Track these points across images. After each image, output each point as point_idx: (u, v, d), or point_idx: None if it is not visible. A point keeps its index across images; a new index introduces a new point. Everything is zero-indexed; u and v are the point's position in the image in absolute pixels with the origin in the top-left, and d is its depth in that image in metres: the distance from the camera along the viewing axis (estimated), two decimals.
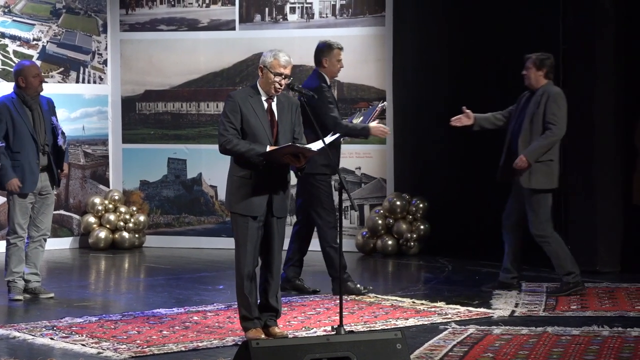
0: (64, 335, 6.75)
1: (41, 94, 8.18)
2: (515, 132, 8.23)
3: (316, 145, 6.46)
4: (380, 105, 8.47)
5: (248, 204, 6.44)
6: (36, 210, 8.21)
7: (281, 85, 6.50)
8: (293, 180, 7.03)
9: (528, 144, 8.09)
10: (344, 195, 6.24)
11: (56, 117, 8.26)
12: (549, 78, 8.23)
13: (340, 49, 8.41)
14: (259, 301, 6.63)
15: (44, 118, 8.12)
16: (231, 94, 6.56)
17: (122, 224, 11.59)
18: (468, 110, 8.34)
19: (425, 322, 7.13)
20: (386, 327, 6.91)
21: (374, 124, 8.24)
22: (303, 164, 6.42)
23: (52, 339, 6.62)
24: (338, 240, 7.71)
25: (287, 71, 6.50)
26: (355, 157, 11.26)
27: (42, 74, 8.26)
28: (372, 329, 6.88)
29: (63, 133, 8.22)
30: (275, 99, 6.55)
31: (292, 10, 11.56)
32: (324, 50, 8.38)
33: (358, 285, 8.32)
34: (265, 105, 6.52)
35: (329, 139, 6.78)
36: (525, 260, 8.65)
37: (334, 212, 8.24)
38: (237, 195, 6.47)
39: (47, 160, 8.13)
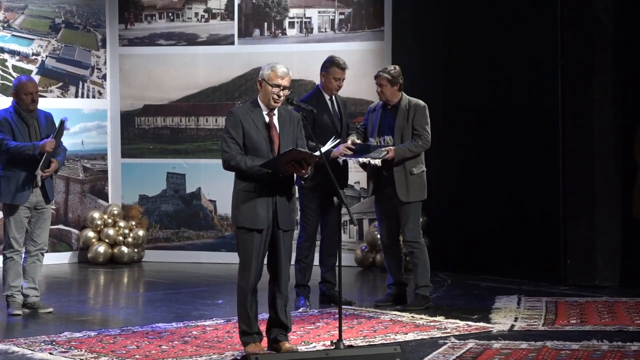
0: (63, 350, 6.73)
1: (40, 108, 8.18)
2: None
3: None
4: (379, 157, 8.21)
5: (253, 217, 6.37)
6: (33, 225, 8.21)
7: (280, 97, 6.46)
8: None
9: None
10: (343, 210, 6.23)
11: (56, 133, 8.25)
12: (401, 90, 8.37)
13: (343, 68, 8.37)
14: (268, 316, 6.60)
15: (41, 133, 8.12)
16: (232, 109, 6.53)
17: (121, 238, 11.58)
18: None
19: (425, 337, 7.11)
20: (385, 342, 6.89)
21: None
22: (307, 173, 6.38)
23: (51, 353, 6.61)
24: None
25: (285, 82, 6.47)
26: (354, 171, 11.25)
27: (38, 92, 8.14)
28: (372, 343, 6.86)
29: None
30: (276, 113, 6.52)
31: (291, 24, 11.58)
32: (325, 64, 8.38)
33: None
34: (267, 119, 6.48)
35: (327, 146, 6.74)
36: (524, 275, 8.63)
37: None
38: (241, 209, 6.40)
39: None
